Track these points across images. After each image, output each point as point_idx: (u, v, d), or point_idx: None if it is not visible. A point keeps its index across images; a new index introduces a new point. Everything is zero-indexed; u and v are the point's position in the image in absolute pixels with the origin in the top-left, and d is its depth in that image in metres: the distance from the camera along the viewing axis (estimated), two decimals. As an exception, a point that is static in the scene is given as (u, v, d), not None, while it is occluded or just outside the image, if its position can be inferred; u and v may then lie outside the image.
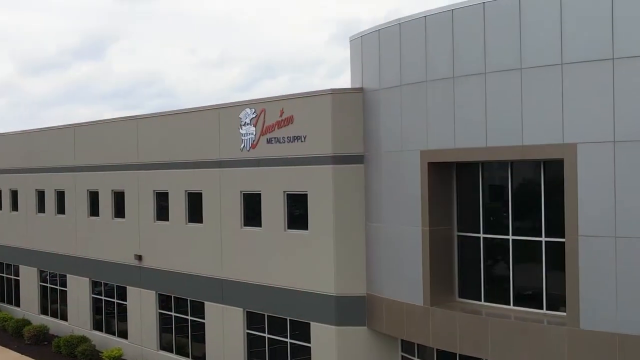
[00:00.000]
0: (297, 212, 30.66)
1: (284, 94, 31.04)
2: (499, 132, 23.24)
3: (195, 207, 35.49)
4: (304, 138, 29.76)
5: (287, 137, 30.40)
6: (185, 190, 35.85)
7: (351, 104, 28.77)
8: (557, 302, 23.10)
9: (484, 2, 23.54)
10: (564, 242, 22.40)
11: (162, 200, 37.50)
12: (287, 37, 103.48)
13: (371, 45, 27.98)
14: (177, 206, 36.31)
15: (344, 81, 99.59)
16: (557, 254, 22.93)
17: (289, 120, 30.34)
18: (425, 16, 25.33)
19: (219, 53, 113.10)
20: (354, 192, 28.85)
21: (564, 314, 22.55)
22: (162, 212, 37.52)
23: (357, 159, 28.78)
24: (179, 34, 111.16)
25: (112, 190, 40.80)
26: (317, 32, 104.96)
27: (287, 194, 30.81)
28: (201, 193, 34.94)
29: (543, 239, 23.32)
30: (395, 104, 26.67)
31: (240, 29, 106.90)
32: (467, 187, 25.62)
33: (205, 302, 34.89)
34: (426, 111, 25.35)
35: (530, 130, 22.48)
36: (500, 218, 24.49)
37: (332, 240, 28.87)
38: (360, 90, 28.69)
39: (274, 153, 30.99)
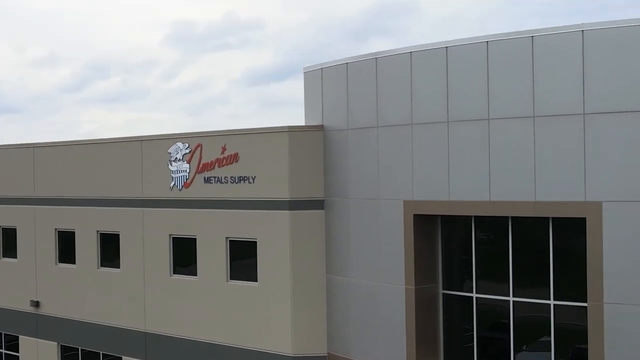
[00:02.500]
0: (243, 261, 27.46)
1: (226, 128, 27.76)
2: (506, 185, 21.04)
3: (110, 250, 31.57)
4: (253, 179, 26.62)
5: (231, 177, 27.16)
6: (98, 231, 31.83)
7: (310, 143, 25.92)
8: (569, 371, 21.18)
9: (487, 41, 21.29)
10: (578, 307, 20.55)
11: (66, 241, 33.22)
12: (119, 37, 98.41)
13: (336, 79, 25.22)
14: (87, 248, 32.21)
15: (179, 83, 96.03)
16: (569, 319, 20.98)
17: (233, 159, 27.11)
18: (411, 52, 22.84)
19: (48, 52, 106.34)
20: (314, 241, 25.99)
21: (578, 385, 20.65)
22: (66, 254, 33.25)
23: (317, 205, 25.95)
24: (5, 31, 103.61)
25: (0, 226, 36.00)
26: (150, 32, 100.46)
27: (230, 241, 27.55)
28: (118, 234, 31.04)
29: (551, 302, 21.29)
30: (369, 146, 24.02)
31: (70, 27, 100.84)
32: (456, 242, 23.34)
33: (124, 357, 31.00)
34: (411, 157, 22.85)
35: (545, 185, 20.39)
36: (498, 277, 22.29)
37: (289, 294, 25.89)
38: (320, 128, 25.86)
39: (214, 194, 27.67)
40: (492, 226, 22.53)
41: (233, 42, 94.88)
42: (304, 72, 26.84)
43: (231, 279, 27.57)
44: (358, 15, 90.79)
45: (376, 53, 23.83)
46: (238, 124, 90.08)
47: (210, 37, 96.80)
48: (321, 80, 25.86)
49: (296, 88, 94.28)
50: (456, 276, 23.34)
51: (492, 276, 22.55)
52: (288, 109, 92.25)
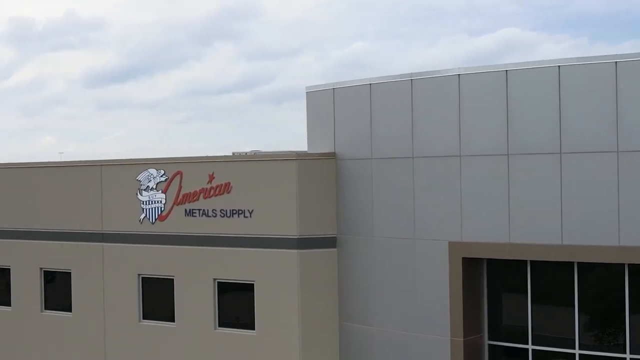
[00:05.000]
0: (235, 306, 24.11)
1: (215, 154, 24.35)
2: (582, 227, 18.76)
3: (57, 291, 27.33)
4: (250, 213, 23.32)
5: (221, 210, 23.75)
6: (41, 268, 27.48)
7: (320, 174, 22.89)
8: None
9: (559, 65, 18.98)
10: (662, 362, 18.52)
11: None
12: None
13: (354, 102, 22.34)
14: (26, 288, 27.79)
15: (15, 82, 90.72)
16: (651, 375, 18.96)
17: (224, 189, 23.71)
18: (459, 74, 20.26)
19: None
20: (325, 283, 22.99)
21: None
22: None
23: (329, 243, 22.95)
24: None
25: None
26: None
27: (219, 282, 24.10)
28: (69, 273, 26.86)
29: (627, 355, 19.17)
30: (402, 179, 21.28)
31: None
32: (506, 288, 20.91)
33: (76, 415, 26.87)
34: (459, 193, 20.27)
35: (632, 228, 18.22)
36: (561, 327, 20.00)
37: (298, 344, 22.78)
38: (332, 156, 22.87)
39: (198, 229, 24.17)
40: (553, 271, 20.18)
41: (73, 42, 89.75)
42: (307, 93, 23.76)
43: (220, 326, 24.11)
44: (202, 18, 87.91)
45: (411, 74, 21.11)
46: (75, 125, 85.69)
47: (49, 36, 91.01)
48: (333, 103, 22.87)
49: (136, 90, 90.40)
50: (505, 326, 20.91)
51: (553, 326, 20.23)
52: (127, 111, 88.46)
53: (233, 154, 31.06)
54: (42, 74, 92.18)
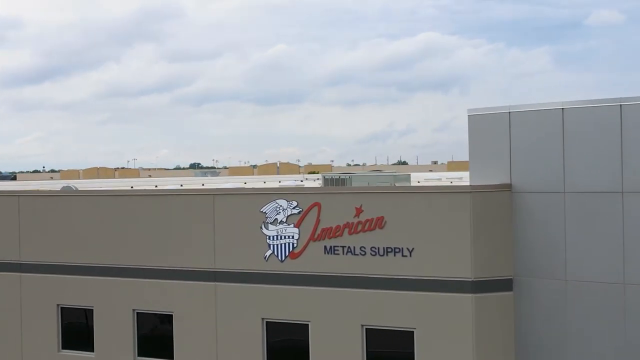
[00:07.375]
0: (389, 355, 21.42)
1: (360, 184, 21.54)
2: None
3: (153, 335, 24.16)
4: (410, 251, 20.71)
5: (372, 248, 21.08)
6: (134, 310, 24.21)
7: (495, 207, 20.42)
8: None
9: None
10: None
11: (76, 321, 25.26)
12: None
13: (540, 128, 19.91)
14: (114, 331, 24.47)
15: None
16: None
17: (376, 224, 21.03)
18: (687, 101, 18.01)
19: None
20: (501, 331, 20.52)
21: None
22: (75, 338, 25.25)
23: (505, 286, 20.49)
24: None
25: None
26: None
27: (368, 329, 21.39)
28: (171, 315, 23.70)
29: None
30: (606, 216, 19.02)
31: None
32: None
33: None
34: (686, 234, 18.04)
35: None
36: None
37: (472, 402, 20.23)
38: (508, 187, 20.39)
39: (342, 268, 21.48)
40: None
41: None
42: (470, 116, 21.18)
43: (369, 378, 21.42)
44: (122, 19, 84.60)
45: (620, 99, 18.89)
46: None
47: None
48: (508, 129, 20.37)
49: (53, 91, 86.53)
50: None
51: None
52: (44, 112, 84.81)
53: (324, 178, 28.06)
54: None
